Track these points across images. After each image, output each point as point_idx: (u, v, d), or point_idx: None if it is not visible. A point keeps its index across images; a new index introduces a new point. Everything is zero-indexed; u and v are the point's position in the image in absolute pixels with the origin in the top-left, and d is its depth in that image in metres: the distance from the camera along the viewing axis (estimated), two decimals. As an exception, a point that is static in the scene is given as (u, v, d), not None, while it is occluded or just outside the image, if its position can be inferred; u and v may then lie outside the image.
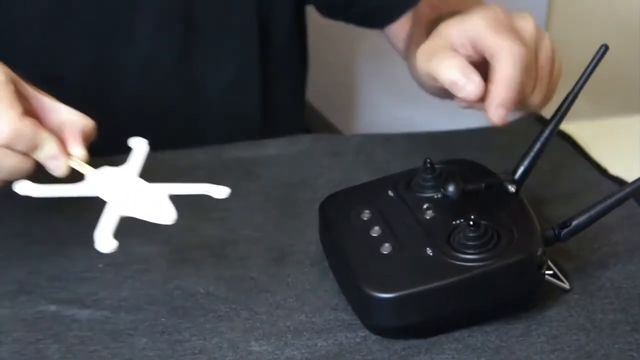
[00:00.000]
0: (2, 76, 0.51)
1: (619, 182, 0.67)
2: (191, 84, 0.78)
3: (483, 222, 0.53)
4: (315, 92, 0.94)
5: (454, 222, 0.55)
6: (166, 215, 0.49)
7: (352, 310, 0.55)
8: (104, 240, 0.48)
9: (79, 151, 0.52)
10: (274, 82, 0.82)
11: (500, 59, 0.55)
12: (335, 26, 0.86)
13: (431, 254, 0.53)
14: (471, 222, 0.53)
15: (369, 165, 0.71)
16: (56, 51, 0.73)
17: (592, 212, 0.56)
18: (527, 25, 0.58)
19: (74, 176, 0.53)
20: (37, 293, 0.55)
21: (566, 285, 0.56)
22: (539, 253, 0.53)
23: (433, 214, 0.56)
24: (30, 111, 0.52)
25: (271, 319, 0.55)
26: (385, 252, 0.54)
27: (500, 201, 0.57)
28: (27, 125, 0.50)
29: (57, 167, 0.52)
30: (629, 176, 0.60)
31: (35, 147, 0.51)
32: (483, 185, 0.57)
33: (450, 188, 0.57)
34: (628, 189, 0.56)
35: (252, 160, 0.71)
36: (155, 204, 0.50)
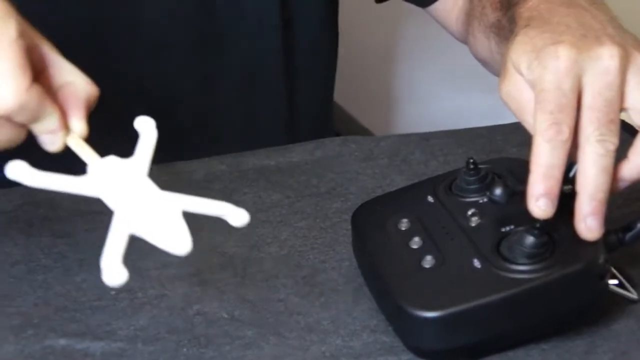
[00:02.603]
0: (13, 31, 0.47)
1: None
2: (205, 76, 0.78)
3: (535, 228, 0.52)
4: (344, 90, 0.94)
5: (502, 229, 0.54)
6: (180, 244, 0.46)
7: (393, 331, 0.55)
8: (113, 270, 0.44)
9: (79, 126, 0.50)
10: (299, 76, 0.81)
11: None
12: (368, 10, 0.85)
13: (479, 266, 0.53)
14: (523, 229, 0.52)
15: (405, 169, 0.70)
16: (55, 35, 0.73)
17: (660, 211, 0.54)
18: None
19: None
20: (45, 326, 0.55)
21: (634, 295, 0.55)
22: (600, 261, 0.52)
23: (479, 221, 0.55)
24: (33, 64, 0.49)
25: (304, 344, 0.54)
26: (427, 266, 0.54)
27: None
28: (33, 97, 0.48)
29: (52, 142, 0.50)
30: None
31: (35, 120, 0.49)
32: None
33: (497, 191, 0.55)
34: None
35: (274, 168, 0.71)
36: (169, 225, 0.46)
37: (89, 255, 0.60)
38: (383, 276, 0.55)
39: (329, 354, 0.53)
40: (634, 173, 0.53)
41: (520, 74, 0.55)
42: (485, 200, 0.56)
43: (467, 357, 0.53)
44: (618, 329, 0.54)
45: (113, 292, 0.57)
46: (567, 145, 0.52)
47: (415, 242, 0.55)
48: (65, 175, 0.47)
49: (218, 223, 0.59)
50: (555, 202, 0.53)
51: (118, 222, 0.46)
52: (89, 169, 0.49)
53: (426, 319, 0.52)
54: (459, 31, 0.78)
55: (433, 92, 1.09)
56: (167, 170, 0.66)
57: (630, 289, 0.55)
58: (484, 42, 0.69)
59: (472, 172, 0.57)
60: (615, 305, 0.55)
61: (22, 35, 0.48)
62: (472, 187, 0.57)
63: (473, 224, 0.55)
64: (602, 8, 0.58)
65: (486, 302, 0.51)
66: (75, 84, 0.51)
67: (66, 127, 0.50)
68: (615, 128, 0.52)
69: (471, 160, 0.58)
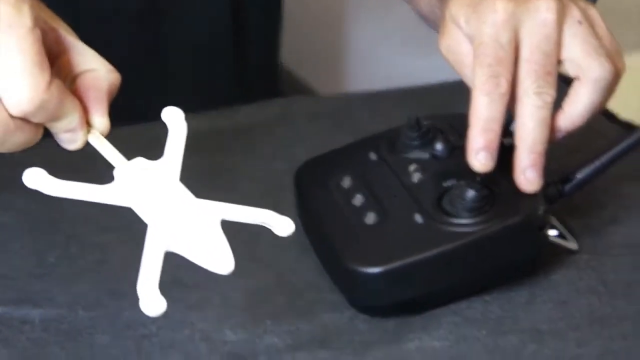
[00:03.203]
0: (28, 18, 0.41)
1: (629, 127, 0.67)
2: (155, 40, 0.77)
3: (476, 181, 0.53)
4: (291, 51, 0.94)
5: (444, 184, 0.55)
6: (223, 262, 0.42)
7: (338, 289, 0.55)
8: (152, 299, 0.40)
9: (102, 123, 0.46)
10: (247, 35, 0.81)
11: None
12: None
13: (421, 221, 0.54)
14: (463, 183, 0.53)
15: (351, 128, 0.71)
16: None
17: (598, 162, 0.56)
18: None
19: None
20: (-18, 294, 0.55)
21: (574, 246, 0.57)
22: (539, 212, 0.54)
23: (421, 177, 0.56)
24: (48, 50, 0.43)
25: (247, 305, 0.55)
26: (369, 223, 0.54)
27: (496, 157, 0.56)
28: (53, 95, 0.43)
29: (72, 141, 0.45)
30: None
31: (54, 119, 0.44)
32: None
33: (439, 146, 0.57)
34: (637, 135, 0.57)
35: (219, 130, 0.71)
36: (209, 240, 0.42)
37: (29, 222, 0.60)
38: (326, 234, 0.56)
39: (273, 314, 0.54)
40: (569, 123, 0.54)
41: (459, 27, 0.55)
42: (427, 156, 0.57)
43: (410, 311, 0.54)
44: (558, 279, 0.55)
45: (52, 260, 0.58)
46: (506, 98, 0.53)
47: (358, 200, 0.56)
48: (90, 183, 0.44)
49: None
50: (495, 156, 0.54)
51: (153, 238, 0.42)
52: (116, 173, 0.45)
53: (368, 275, 0.52)
54: None
55: (380, 52, 1.09)
56: (112, 135, 0.66)
57: (571, 239, 0.57)
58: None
59: (414, 128, 0.58)
60: (556, 256, 0.56)
61: (37, 21, 0.42)
62: (414, 143, 0.58)
63: (415, 180, 0.56)
64: None
65: (427, 257, 0.52)
66: (96, 72, 0.46)
67: (87, 124, 0.45)
68: (553, 80, 0.53)
69: (413, 117, 0.58)
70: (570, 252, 0.57)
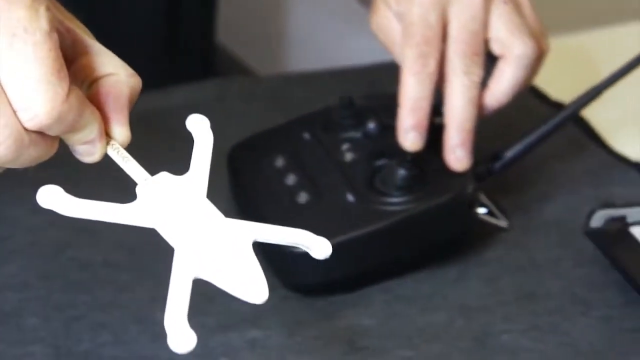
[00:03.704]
0: (44, 21, 0.37)
1: (558, 107, 0.69)
2: (91, 17, 0.76)
3: (407, 160, 0.54)
4: (228, 30, 0.94)
5: (376, 163, 0.56)
6: (257, 290, 0.39)
7: (270, 269, 0.56)
8: (181, 334, 0.37)
9: (122, 133, 0.42)
10: (180, 14, 0.81)
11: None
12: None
13: (352, 200, 0.55)
14: (394, 162, 0.54)
15: (288, 108, 0.71)
16: None
17: (526, 141, 0.57)
18: None
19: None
20: None
21: (504, 223, 0.58)
22: (469, 191, 0.55)
23: (353, 156, 0.57)
24: (65, 53, 0.39)
25: (180, 285, 0.55)
26: (302, 202, 0.55)
27: (427, 137, 0.58)
28: (72, 107, 0.38)
29: (90, 154, 0.41)
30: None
31: (72, 131, 0.40)
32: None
33: (371, 125, 0.58)
34: (564, 113, 0.58)
35: (152, 112, 0.71)
36: (241, 266, 0.39)
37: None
38: (259, 214, 0.56)
39: (205, 294, 0.55)
40: (495, 101, 0.56)
41: (389, 6, 0.56)
42: (360, 135, 0.58)
43: (342, 290, 0.55)
44: (488, 256, 0.57)
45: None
46: (434, 77, 0.55)
47: (291, 179, 0.57)
48: (110, 202, 0.40)
49: (96, 169, 0.59)
50: (425, 135, 0.55)
51: (181, 265, 0.39)
52: (138, 191, 0.41)
53: (299, 254, 0.53)
54: None
55: (320, 31, 1.10)
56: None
57: (501, 217, 0.58)
58: None
59: (346, 108, 0.59)
60: (486, 233, 0.58)
61: (53, 24, 0.38)
62: (347, 122, 0.59)
63: (347, 159, 0.57)
64: None
65: (358, 235, 0.53)
66: (116, 76, 0.42)
67: (106, 134, 0.42)
68: (480, 60, 0.55)
69: (345, 97, 0.59)
70: (500, 229, 0.58)
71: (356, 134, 0.58)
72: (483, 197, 0.57)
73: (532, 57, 0.55)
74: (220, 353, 0.51)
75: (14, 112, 0.37)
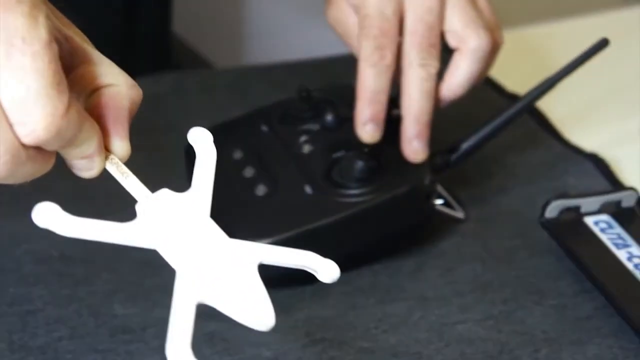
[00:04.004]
0: (44, 31, 0.35)
1: (514, 99, 0.70)
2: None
3: (364, 152, 0.55)
4: (186, 21, 0.94)
5: (333, 155, 0.56)
6: (263, 316, 0.38)
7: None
8: (182, 354, 0.36)
9: (122, 148, 0.41)
10: (136, 5, 0.80)
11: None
12: None
13: (310, 192, 0.55)
14: (352, 154, 0.55)
15: (245, 101, 0.71)
16: None
17: (482, 133, 0.58)
18: None
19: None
20: None
21: (460, 214, 0.59)
22: (426, 182, 0.56)
23: (311, 148, 0.58)
24: (62, 62, 0.37)
25: (138, 278, 0.55)
26: (260, 195, 0.56)
27: (385, 129, 0.58)
28: (71, 121, 0.37)
29: (87, 169, 0.40)
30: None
31: (69, 146, 0.38)
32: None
33: (328, 117, 0.58)
34: (519, 105, 0.59)
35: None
36: (246, 290, 0.38)
37: None
38: (216, 206, 0.57)
39: (163, 287, 0.55)
40: (450, 93, 0.57)
41: None
42: (317, 127, 0.58)
43: (300, 282, 0.55)
44: (445, 246, 0.58)
45: None
46: (391, 69, 0.55)
47: (249, 172, 0.57)
48: (109, 221, 0.39)
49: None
50: (382, 126, 0.56)
51: (183, 290, 0.38)
52: (138, 209, 0.40)
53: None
54: None
55: (280, 24, 1.10)
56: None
57: (458, 208, 0.59)
58: None
59: (304, 100, 0.59)
60: (443, 224, 0.59)
61: (53, 33, 0.36)
62: (304, 115, 0.59)
63: (305, 151, 0.58)
64: None
65: (316, 227, 0.54)
66: (116, 87, 0.40)
67: (105, 149, 0.40)
68: (436, 52, 0.56)
69: (303, 89, 0.60)
70: (456, 220, 0.59)
71: (314, 126, 0.59)
72: (440, 189, 0.58)
73: (486, 50, 0.56)
74: (179, 346, 0.52)
75: (10, 125, 0.35)
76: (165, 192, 0.40)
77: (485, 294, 0.55)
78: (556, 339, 0.52)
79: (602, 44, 0.58)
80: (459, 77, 0.56)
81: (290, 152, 0.58)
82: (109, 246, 0.57)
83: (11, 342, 0.51)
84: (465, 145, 0.58)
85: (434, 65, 0.55)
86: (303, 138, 0.58)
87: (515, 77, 0.74)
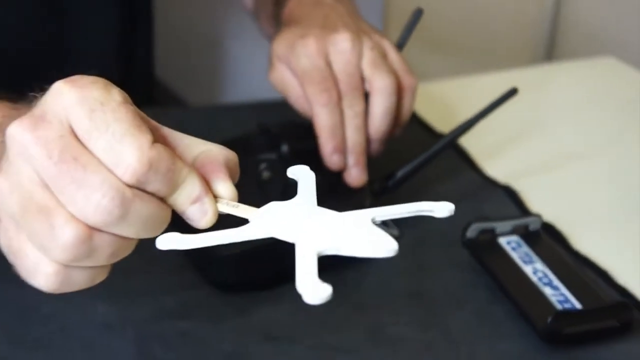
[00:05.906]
0: (117, 95, 0.37)
1: (440, 136, 0.73)
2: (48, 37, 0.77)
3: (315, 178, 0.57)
4: (167, 66, 0.95)
5: (289, 181, 0.59)
6: (386, 244, 0.38)
7: (197, 270, 0.59)
8: (313, 287, 0.36)
9: (228, 189, 0.39)
10: (132, 46, 0.82)
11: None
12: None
13: (268, 212, 0.57)
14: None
15: (215, 135, 0.72)
16: None
17: (414, 163, 0.62)
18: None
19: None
20: None
21: (395, 232, 0.62)
22: (366, 204, 0.59)
23: (269, 174, 0.60)
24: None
25: (118, 281, 0.56)
26: (223, 214, 0.58)
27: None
28: (161, 153, 0.36)
29: (202, 214, 0.39)
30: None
31: (172, 185, 0.37)
32: (315, 143, 0.61)
33: (284, 148, 0.61)
34: (444, 141, 0.63)
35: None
36: (365, 232, 0.38)
37: None
38: (180, 225, 0.59)
39: (142, 289, 0.57)
40: (374, 130, 0.62)
41: (283, 63, 0.61)
42: (274, 157, 0.61)
43: (258, 288, 0.58)
44: (382, 262, 0.60)
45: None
46: (340, 106, 0.59)
47: (215, 194, 0.59)
48: (219, 230, 0.38)
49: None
50: (344, 155, 0.59)
51: (303, 246, 0.38)
52: (251, 218, 0.40)
53: (221, 259, 0.56)
54: (252, 14, 0.83)
55: (253, 70, 1.13)
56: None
57: (393, 227, 0.62)
58: (269, 29, 0.75)
59: (263, 133, 0.62)
60: (381, 241, 0.61)
61: (127, 98, 0.38)
62: (263, 146, 0.62)
63: (264, 177, 0.60)
64: (345, 3, 0.67)
65: (272, 242, 0.56)
66: (209, 150, 0.40)
67: (212, 194, 0.39)
68: (360, 94, 0.61)
69: (262, 124, 0.63)
70: (393, 237, 0.61)
71: (271, 156, 0.62)
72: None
73: (390, 88, 0.61)
74: (155, 341, 0.54)
75: (110, 171, 0.36)
76: (272, 203, 0.41)
77: (415, 301, 0.58)
78: (473, 338, 0.55)
79: (512, 92, 0.63)
80: (376, 114, 0.61)
81: (251, 177, 0.60)
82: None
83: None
84: (400, 173, 0.62)
85: (358, 104, 0.60)
86: (262, 165, 0.61)
87: (440, 119, 0.78)
